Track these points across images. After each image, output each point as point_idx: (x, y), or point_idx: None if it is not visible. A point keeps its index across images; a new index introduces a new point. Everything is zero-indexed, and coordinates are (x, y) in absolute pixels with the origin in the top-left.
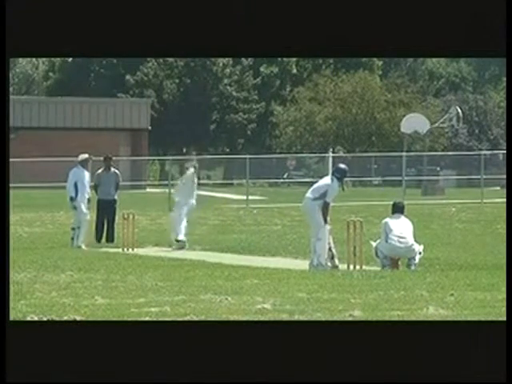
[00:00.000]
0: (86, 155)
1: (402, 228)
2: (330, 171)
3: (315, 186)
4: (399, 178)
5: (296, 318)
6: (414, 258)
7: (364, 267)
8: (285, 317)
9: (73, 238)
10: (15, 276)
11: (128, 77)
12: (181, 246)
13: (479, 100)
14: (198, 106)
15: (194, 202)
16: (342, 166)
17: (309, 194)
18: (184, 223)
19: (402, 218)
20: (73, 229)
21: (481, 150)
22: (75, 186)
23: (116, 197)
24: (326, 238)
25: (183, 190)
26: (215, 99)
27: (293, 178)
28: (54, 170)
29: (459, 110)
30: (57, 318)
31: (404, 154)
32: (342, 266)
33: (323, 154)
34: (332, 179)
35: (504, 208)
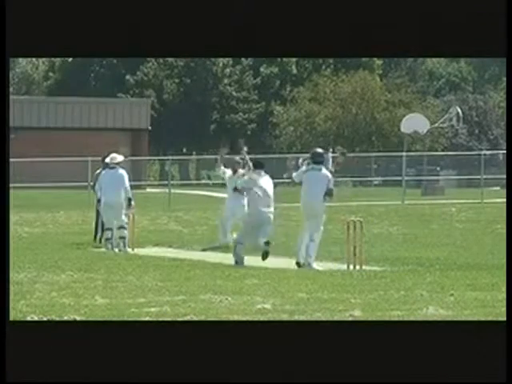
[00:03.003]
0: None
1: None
2: (310, 162)
3: (312, 185)
4: (399, 178)
5: (296, 318)
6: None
7: (364, 267)
8: (285, 317)
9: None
10: (15, 276)
11: (128, 77)
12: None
13: (479, 100)
14: (198, 106)
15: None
16: (318, 150)
17: (313, 198)
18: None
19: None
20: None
21: (481, 150)
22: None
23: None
24: (319, 239)
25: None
26: (215, 99)
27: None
28: (53, 170)
29: (459, 110)
30: (57, 318)
31: (404, 153)
32: (342, 266)
33: None
34: (320, 169)
35: (504, 208)
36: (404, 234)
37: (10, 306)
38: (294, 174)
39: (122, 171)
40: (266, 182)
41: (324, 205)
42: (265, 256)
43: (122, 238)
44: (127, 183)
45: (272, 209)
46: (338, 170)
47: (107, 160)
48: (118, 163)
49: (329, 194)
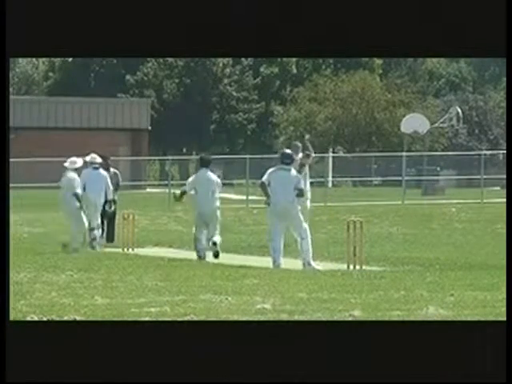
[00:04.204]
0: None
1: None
2: (279, 163)
3: (281, 185)
4: (399, 178)
5: (296, 318)
6: None
7: (364, 267)
8: (285, 317)
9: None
10: (15, 276)
11: (128, 77)
12: None
13: (479, 100)
14: (198, 106)
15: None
16: (287, 150)
17: (284, 198)
18: None
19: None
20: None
21: (481, 150)
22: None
23: (115, 197)
24: (309, 235)
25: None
26: (215, 99)
27: None
28: (53, 170)
29: (459, 110)
30: (57, 318)
31: (404, 153)
32: (342, 266)
33: (323, 154)
34: (289, 169)
35: (504, 208)
36: (404, 234)
37: (10, 305)
38: (263, 178)
39: (104, 172)
40: (206, 179)
41: (296, 204)
42: (216, 255)
43: (94, 239)
44: (110, 184)
45: (213, 204)
46: (303, 171)
47: (87, 159)
48: (100, 164)
49: (299, 194)
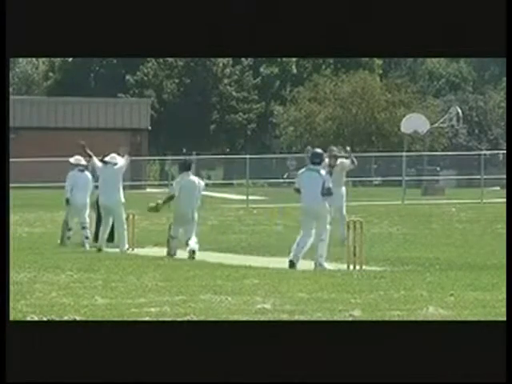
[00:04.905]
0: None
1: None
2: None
3: (309, 187)
4: (399, 178)
5: (296, 318)
6: None
7: (364, 267)
8: (285, 317)
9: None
10: (15, 276)
11: (128, 77)
12: None
13: (479, 100)
14: (198, 106)
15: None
16: (317, 150)
17: (312, 198)
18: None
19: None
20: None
21: (481, 150)
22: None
23: None
24: (328, 238)
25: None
26: (215, 99)
27: (293, 178)
28: (53, 170)
29: (459, 110)
30: (57, 318)
31: (404, 153)
32: (342, 266)
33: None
34: (317, 170)
35: (504, 208)
36: (404, 234)
37: (10, 305)
38: (296, 184)
39: (89, 174)
40: (189, 183)
41: (325, 205)
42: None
43: (87, 238)
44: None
45: (193, 206)
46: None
47: (72, 161)
48: (85, 165)
49: (326, 193)
